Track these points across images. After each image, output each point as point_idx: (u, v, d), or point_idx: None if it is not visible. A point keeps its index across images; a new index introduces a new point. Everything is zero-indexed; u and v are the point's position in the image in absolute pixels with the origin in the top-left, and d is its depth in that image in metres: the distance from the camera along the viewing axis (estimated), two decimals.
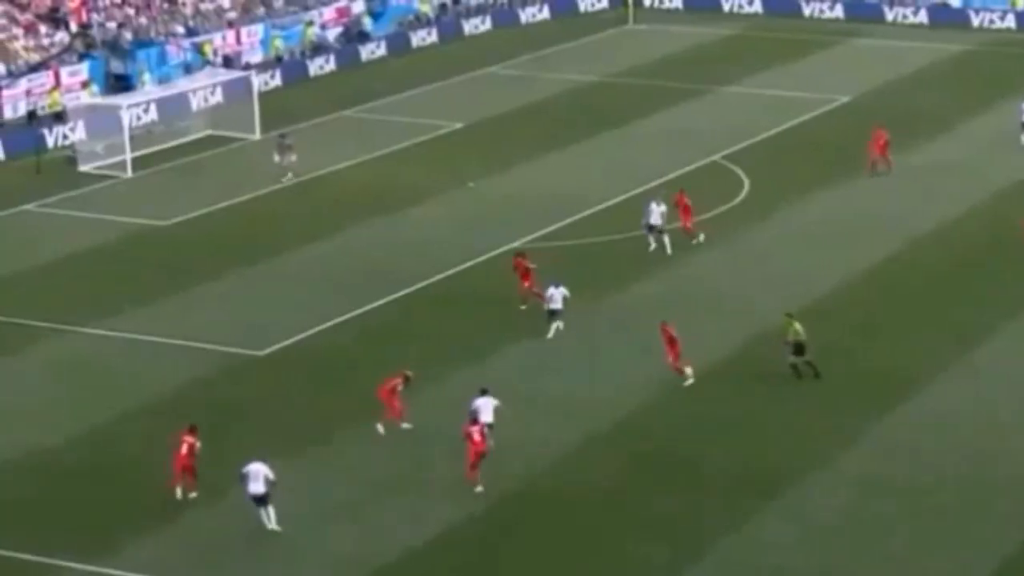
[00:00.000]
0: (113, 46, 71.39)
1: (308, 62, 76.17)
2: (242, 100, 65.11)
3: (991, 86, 71.69)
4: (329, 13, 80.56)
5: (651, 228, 50.63)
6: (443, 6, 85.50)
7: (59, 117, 65.07)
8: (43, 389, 41.75)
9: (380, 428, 38.42)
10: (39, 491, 36.27)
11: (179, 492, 35.46)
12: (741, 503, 35.40)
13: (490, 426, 36.96)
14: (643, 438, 38.68)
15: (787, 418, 39.66)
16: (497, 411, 37.26)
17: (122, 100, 62.98)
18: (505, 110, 68.86)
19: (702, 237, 51.56)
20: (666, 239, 50.73)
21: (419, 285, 48.31)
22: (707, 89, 71.89)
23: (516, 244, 51.36)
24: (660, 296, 47.35)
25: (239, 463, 34.68)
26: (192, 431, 35.85)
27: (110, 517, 34.97)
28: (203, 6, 76.91)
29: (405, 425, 38.56)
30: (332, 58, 77.07)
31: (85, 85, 68.25)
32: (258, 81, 67.62)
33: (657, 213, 50.52)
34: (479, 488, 35.68)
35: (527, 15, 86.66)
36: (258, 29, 76.89)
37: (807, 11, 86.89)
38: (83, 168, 60.84)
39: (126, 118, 60.98)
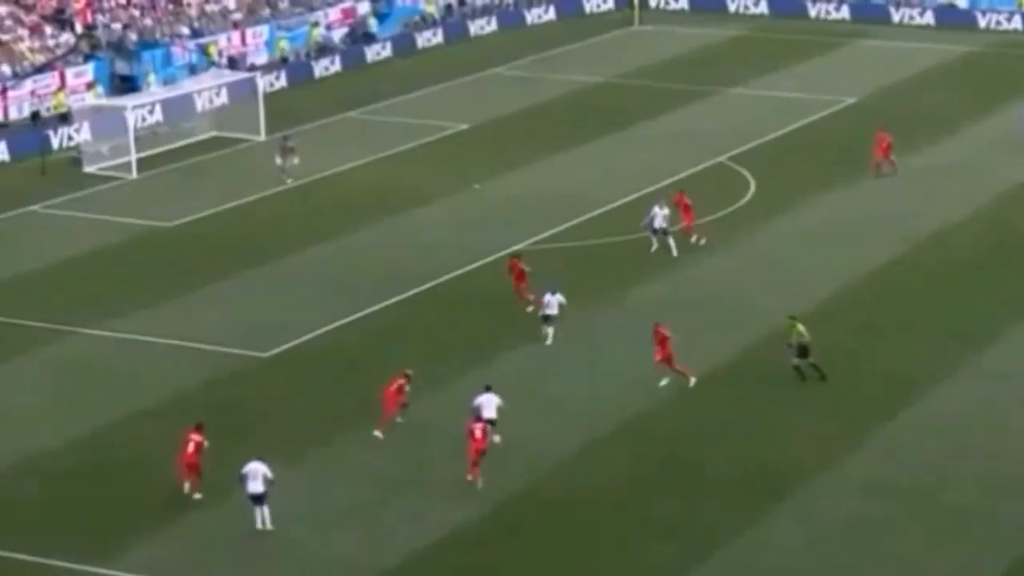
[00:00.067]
0: (118, 47, 71.38)
1: (313, 63, 76.12)
2: (247, 101, 65.07)
3: (997, 87, 71.59)
4: (334, 14, 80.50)
5: (655, 231, 50.54)
6: (449, 7, 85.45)
7: (64, 118, 65.05)
8: (47, 390, 41.72)
9: (378, 434, 38.35)
10: (43, 492, 36.24)
11: (187, 487, 35.49)
12: (746, 505, 35.32)
13: (492, 423, 36.97)
14: (647, 440, 38.61)
15: (792, 420, 39.57)
16: (500, 408, 37.30)
17: (127, 101, 62.99)
18: (510, 111, 68.79)
19: (703, 241, 51.46)
20: (671, 241, 50.65)
21: (424, 286, 48.25)
22: (713, 90, 71.79)
23: (521, 245, 51.22)
24: (665, 298, 47.28)
25: (242, 465, 34.64)
26: (199, 429, 35.92)
27: (113, 519, 34.93)
28: (208, 7, 76.88)
29: (398, 419, 38.57)
30: (337, 59, 77.03)
31: (90, 86, 68.26)
32: (263, 82, 67.55)
33: (660, 216, 50.47)
34: (479, 485, 35.67)
35: (533, 16, 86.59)
36: (263, 30, 76.84)
37: (813, 12, 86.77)
38: (88, 169, 60.80)
39: (131, 119, 60.98)
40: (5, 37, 69.04)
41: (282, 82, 73.42)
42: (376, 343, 44.10)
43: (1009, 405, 40.42)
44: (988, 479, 36.59)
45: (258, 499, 34.05)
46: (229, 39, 74.93)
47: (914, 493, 35.96)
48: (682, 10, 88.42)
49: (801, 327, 41.29)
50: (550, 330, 43.60)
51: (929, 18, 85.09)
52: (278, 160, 58.80)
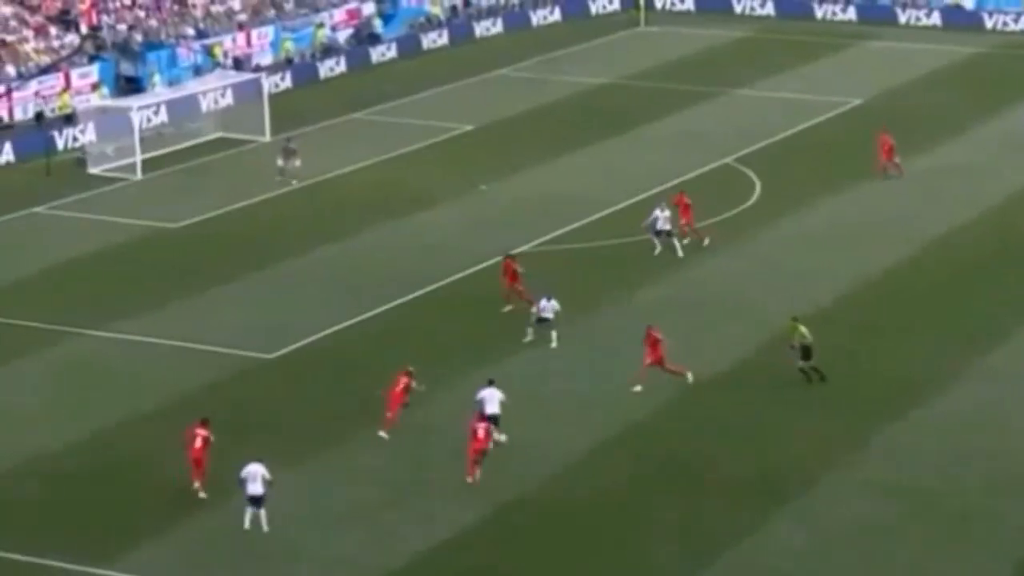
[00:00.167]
0: (123, 48, 71.34)
1: (318, 64, 76.06)
2: (252, 102, 64.99)
3: (1004, 88, 71.49)
4: (339, 15, 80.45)
5: (658, 233, 50.48)
6: (454, 8, 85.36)
7: (69, 119, 65.00)
8: (50, 391, 41.65)
9: (383, 435, 38.33)
10: (45, 493, 36.16)
11: (203, 493, 35.46)
12: (749, 507, 35.23)
13: (495, 419, 37.01)
14: (651, 442, 38.53)
15: (797, 423, 39.48)
16: (502, 403, 37.34)
17: (132, 102, 62.92)
18: (516, 112, 68.70)
19: (707, 241, 51.38)
20: (676, 242, 50.54)
21: (429, 288, 48.18)
22: (719, 91, 71.70)
23: (526, 247, 51.22)
24: (670, 299, 47.21)
25: (241, 467, 34.51)
26: (204, 424, 35.88)
27: (115, 520, 34.87)
28: (213, 8, 76.83)
29: (382, 434, 38.40)
30: (342, 60, 76.95)
31: (95, 87, 68.22)
32: (268, 83, 67.47)
33: (662, 219, 50.44)
34: (473, 481, 35.73)
35: (538, 17, 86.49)
36: (268, 31, 76.79)
37: (819, 13, 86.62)
38: (93, 170, 60.72)
39: (136, 120, 60.91)
40: (10, 38, 69.01)
41: (287, 83, 73.35)
42: (381, 345, 44.02)
43: (1014, 406, 40.32)
44: (993, 480, 36.49)
45: (257, 501, 33.99)
46: (234, 40, 74.88)
47: (918, 495, 35.86)
48: (688, 11, 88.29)
49: (803, 329, 41.19)
50: (553, 333, 43.52)
51: (936, 19, 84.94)
52: (279, 162, 58.73)
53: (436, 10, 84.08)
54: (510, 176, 59.51)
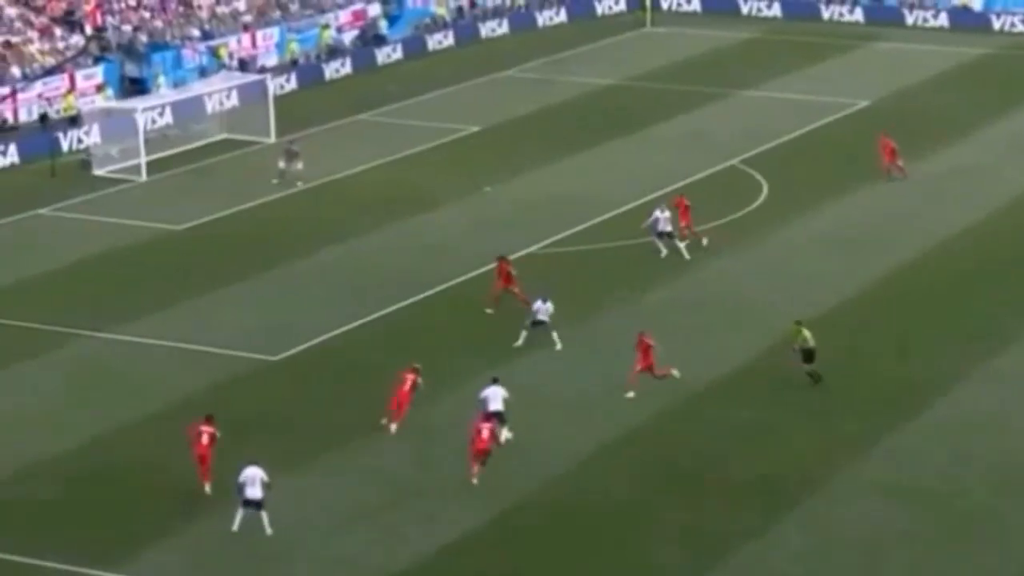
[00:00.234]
0: (128, 49, 71.26)
1: (324, 65, 75.96)
2: (257, 103, 64.90)
3: (1012, 90, 71.36)
4: (345, 16, 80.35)
5: (660, 235, 50.34)
6: (460, 9, 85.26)
7: (74, 121, 64.92)
8: (54, 393, 41.54)
9: (393, 427, 38.32)
10: (51, 496, 36.05)
11: (208, 488, 35.41)
12: (755, 511, 35.12)
13: (499, 415, 37.05)
14: (657, 444, 38.41)
15: (802, 425, 39.35)
16: (506, 400, 37.34)
17: (137, 103, 62.88)
18: (521, 113, 68.63)
19: (705, 241, 51.25)
20: (679, 244, 50.36)
21: (434, 289, 48.07)
22: (725, 93, 71.58)
23: (532, 248, 51.19)
24: (676, 301, 47.11)
25: (262, 469, 34.38)
26: (209, 420, 35.91)
27: (121, 522, 34.77)
28: (219, 9, 76.74)
29: (392, 427, 38.46)
30: (348, 61, 76.84)
31: (100, 88, 68.12)
32: (273, 84, 67.40)
33: (663, 220, 50.38)
34: (476, 479, 35.72)
35: (544, 18, 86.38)
36: (273, 32, 76.71)
37: (826, 14, 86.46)
38: (98, 172, 60.68)
39: (141, 121, 60.82)
40: (15, 39, 68.93)
41: (292, 84, 73.26)
42: (386, 346, 43.90)
43: (1018, 409, 40.20)
44: (997, 482, 36.37)
45: (255, 504, 33.92)
46: (239, 41, 74.81)
47: (922, 497, 35.74)
48: (694, 12, 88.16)
49: (807, 332, 41.07)
50: (554, 334, 43.40)
51: (943, 20, 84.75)
52: (281, 164, 58.64)
53: (442, 11, 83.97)
54: (515, 177, 59.41)
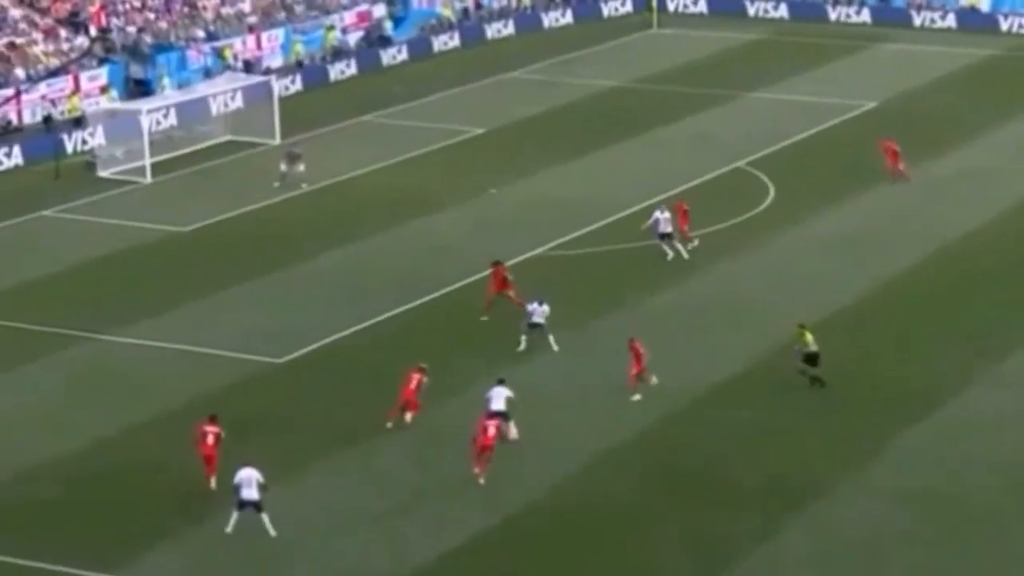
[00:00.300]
0: (133, 51, 71.15)
1: (329, 67, 75.80)
2: (262, 105, 64.78)
3: (1020, 91, 71.12)
4: (350, 17, 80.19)
5: (661, 236, 50.17)
6: (465, 10, 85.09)
7: (78, 122, 64.81)
8: (57, 395, 41.45)
9: (389, 424, 38.56)
10: (55, 498, 35.96)
11: (213, 483, 35.32)
12: (762, 515, 34.97)
13: (504, 415, 36.99)
14: (662, 448, 38.28)
15: (809, 428, 39.21)
16: (510, 400, 37.39)
17: (142, 105, 62.76)
18: (527, 115, 68.49)
19: (695, 243, 51.10)
20: (678, 246, 50.20)
21: (439, 292, 47.93)
22: (732, 94, 71.41)
23: (538, 251, 51.18)
24: (682, 304, 46.98)
25: (257, 471, 34.29)
26: (213, 420, 35.96)
27: (126, 525, 34.68)
28: (224, 10, 76.61)
29: (407, 418, 38.62)
30: (353, 63, 76.68)
31: (104, 90, 68.04)
32: (278, 86, 67.26)
33: (663, 221, 50.29)
34: (480, 476, 35.75)
35: (550, 19, 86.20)
36: (279, 34, 76.56)
37: (833, 16, 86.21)
38: (102, 173, 60.58)
39: (146, 123, 60.70)
40: (19, 40, 68.81)
41: (297, 86, 73.12)
42: (391, 349, 43.75)
43: None
44: (1005, 486, 36.17)
45: (253, 506, 33.85)
46: (244, 42, 74.68)
47: (930, 501, 35.60)
48: (701, 13, 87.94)
49: (809, 336, 40.89)
50: (550, 336, 43.19)
51: (951, 21, 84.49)
52: (283, 167, 58.50)
53: (447, 12, 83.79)
54: (520, 179, 59.26)
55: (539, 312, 43.24)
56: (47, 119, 65.32)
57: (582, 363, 42.74)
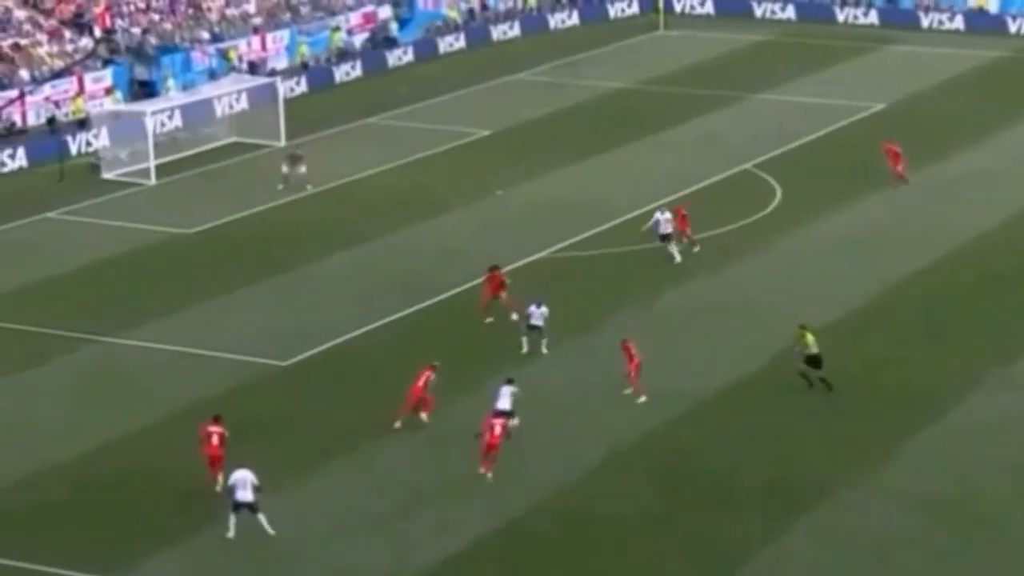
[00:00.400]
0: (137, 52, 71.03)
1: (334, 68, 75.65)
2: (267, 106, 64.68)
3: None
4: (355, 19, 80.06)
5: (663, 238, 50.04)
6: (471, 12, 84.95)
7: (83, 124, 64.70)
8: (62, 399, 41.31)
9: (398, 424, 38.51)
10: (58, 501, 35.84)
11: (219, 484, 35.25)
12: (770, 519, 34.80)
13: (509, 414, 37.00)
14: (669, 451, 38.10)
15: (819, 432, 39.00)
16: (515, 395, 37.54)
17: (146, 106, 62.67)
18: (533, 117, 68.37)
19: (697, 248, 50.94)
20: (674, 247, 49.98)
21: (446, 294, 47.77)
22: (739, 96, 71.24)
23: (543, 253, 51.01)
24: (689, 306, 46.82)
25: (262, 474, 34.29)
26: (217, 420, 35.98)
27: (131, 528, 34.56)
28: (228, 12, 76.49)
29: (423, 416, 38.72)
30: (358, 64, 76.52)
31: (109, 91, 67.92)
32: (284, 87, 67.14)
33: (664, 221, 50.15)
34: (488, 476, 35.88)
35: (556, 21, 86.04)
36: (284, 35, 76.44)
37: (841, 17, 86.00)
38: (106, 175, 60.50)
39: (150, 125, 60.58)
40: (24, 42, 68.69)
41: (303, 87, 72.99)
42: (397, 351, 43.60)
43: None
44: (1018, 490, 35.96)
45: (248, 507, 33.79)
46: (249, 44, 74.59)
47: (943, 505, 35.39)
48: (707, 15, 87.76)
49: (810, 337, 40.69)
50: (543, 341, 43.12)
51: (959, 23, 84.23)
52: (284, 169, 58.35)
53: (453, 13, 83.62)
54: (527, 181, 59.13)
55: (537, 315, 43.13)
56: (51, 121, 65.20)
57: (588, 365, 42.55)
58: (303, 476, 36.41)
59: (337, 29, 78.41)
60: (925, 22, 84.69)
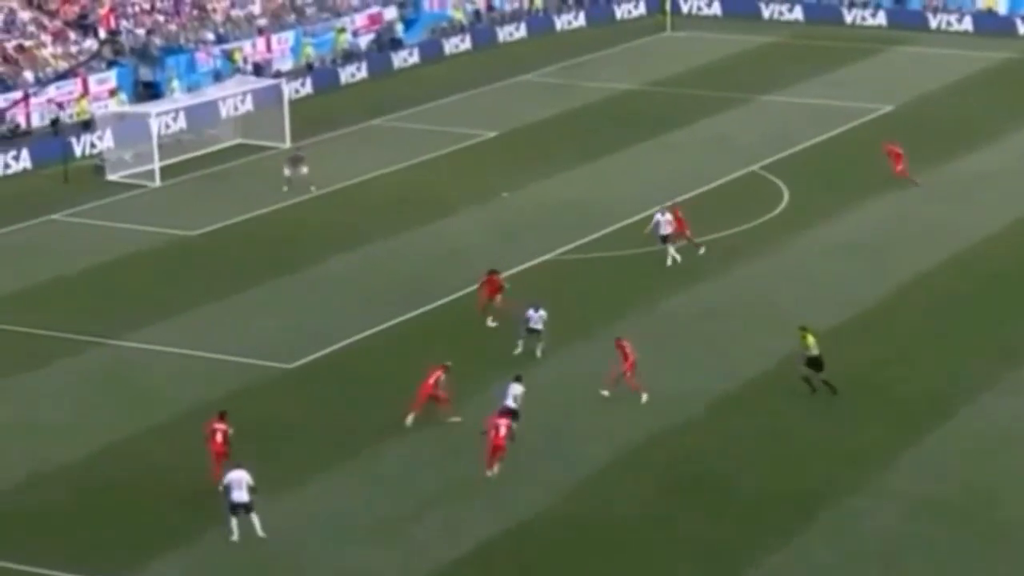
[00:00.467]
0: (142, 53, 70.89)
1: (339, 70, 75.48)
2: (272, 108, 64.51)
3: None
4: (361, 20, 79.93)
5: (664, 239, 49.89)
6: (477, 13, 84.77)
7: (87, 125, 64.55)
8: (65, 401, 41.16)
9: (409, 420, 38.44)
10: (66, 504, 35.74)
11: (222, 483, 34.98)
12: (778, 523, 34.60)
13: (514, 413, 36.90)
14: (676, 455, 37.91)
15: (826, 435, 38.79)
16: (520, 396, 37.59)
17: (151, 108, 62.52)
18: (540, 119, 68.22)
19: (702, 250, 50.73)
20: (671, 249, 49.79)
21: (451, 296, 47.58)
22: (746, 98, 71.04)
23: (549, 255, 50.81)
24: (696, 308, 46.68)
25: (267, 477, 34.31)
26: (222, 417, 36.02)
27: (136, 531, 34.44)
28: (233, 13, 76.33)
29: (454, 419, 38.66)
30: (364, 65, 76.34)
31: (113, 93, 67.83)
32: (289, 89, 66.97)
33: (664, 223, 49.98)
34: (490, 473, 35.92)
35: (562, 22, 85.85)
36: (289, 36, 76.30)
37: (849, 18, 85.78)
38: (111, 177, 60.35)
39: (155, 126, 60.41)
40: (28, 43, 68.54)
41: (308, 89, 72.82)
42: (403, 354, 43.42)
43: None
44: None
45: (243, 508, 33.73)
46: (254, 45, 74.49)
47: (953, 510, 35.17)
48: (714, 16, 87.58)
49: (811, 339, 40.45)
50: (540, 345, 42.97)
51: (967, 24, 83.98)
52: (286, 171, 58.17)
53: (459, 15, 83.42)
54: (533, 183, 58.94)
55: (535, 318, 42.96)
56: (55, 122, 65.02)
57: (593, 369, 42.24)
58: (308, 479, 36.29)
59: (342, 30, 78.24)
60: (933, 23, 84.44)
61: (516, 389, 37.84)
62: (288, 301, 47.76)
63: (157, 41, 71.87)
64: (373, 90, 73.56)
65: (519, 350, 42.98)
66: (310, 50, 76.08)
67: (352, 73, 75.70)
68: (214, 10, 75.84)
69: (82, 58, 68.66)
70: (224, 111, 64.52)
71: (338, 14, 79.37)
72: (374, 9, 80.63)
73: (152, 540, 33.95)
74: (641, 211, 54.79)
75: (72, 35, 70.59)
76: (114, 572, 32.75)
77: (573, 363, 42.72)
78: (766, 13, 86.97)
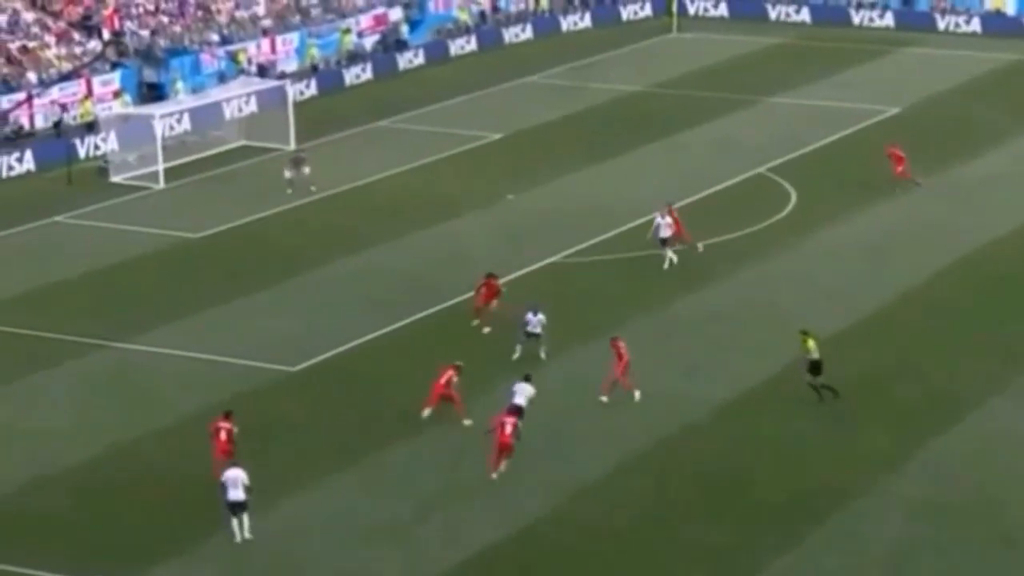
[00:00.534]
0: (146, 55, 70.77)
1: (344, 71, 75.33)
2: (277, 110, 64.40)
3: None
4: (366, 21, 79.79)
5: (663, 242, 49.75)
6: (482, 14, 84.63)
7: (91, 127, 64.44)
8: (69, 404, 41.07)
9: (426, 413, 38.72)
10: (69, 508, 35.67)
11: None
12: (786, 527, 34.47)
13: (520, 411, 36.87)
14: (682, 459, 37.77)
15: (834, 439, 38.63)
16: (531, 398, 37.53)
17: (155, 110, 62.41)
18: (545, 120, 68.08)
19: (700, 248, 50.57)
20: (668, 251, 49.66)
21: (456, 299, 47.37)
22: (753, 99, 70.89)
23: (555, 258, 50.63)
24: (703, 311, 46.52)
25: (271, 480, 34.33)
26: (227, 417, 36.07)
27: (135, 535, 34.36)
28: (238, 14, 76.21)
29: (466, 422, 38.58)
30: (369, 67, 76.18)
31: (117, 94, 67.72)
32: (293, 90, 66.83)
33: (664, 225, 49.85)
34: (494, 475, 35.83)
35: (568, 23, 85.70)
36: (293, 37, 76.17)
37: (856, 19, 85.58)
38: (115, 179, 60.27)
39: (159, 128, 60.28)
40: (32, 44, 68.44)
41: (312, 90, 72.69)
42: (407, 357, 43.28)
43: None
44: None
45: (239, 507, 33.67)
46: (259, 46, 74.37)
47: (960, 514, 35.02)
48: (721, 17, 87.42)
49: (812, 343, 40.29)
50: (542, 348, 42.81)
51: (975, 25, 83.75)
52: (288, 174, 58.04)
53: (464, 16, 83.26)
54: (539, 185, 58.80)
55: (535, 322, 42.84)
56: (57, 124, 64.89)
57: (599, 371, 42.04)
58: (312, 481, 36.21)
59: (347, 31, 78.12)
60: (941, 24, 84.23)
61: (527, 389, 37.76)
62: (292, 303, 47.63)
63: (161, 42, 71.77)
64: (378, 91, 73.45)
65: (517, 355, 42.82)
66: (315, 51, 75.98)
67: (357, 74, 75.55)
68: (218, 11, 75.73)
69: (86, 59, 68.55)
70: (228, 113, 64.45)
71: (343, 15, 79.25)
72: (379, 10, 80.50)
73: (155, 543, 33.88)
74: (647, 213, 54.50)
75: (76, 36, 70.48)
76: (116, 575, 32.78)
77: (578, 366, 42.55)
78: (773, 14, 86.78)
